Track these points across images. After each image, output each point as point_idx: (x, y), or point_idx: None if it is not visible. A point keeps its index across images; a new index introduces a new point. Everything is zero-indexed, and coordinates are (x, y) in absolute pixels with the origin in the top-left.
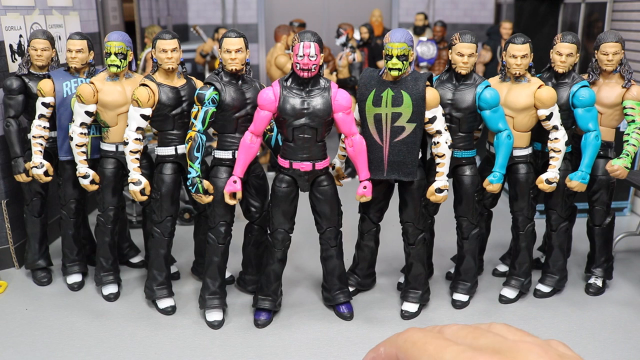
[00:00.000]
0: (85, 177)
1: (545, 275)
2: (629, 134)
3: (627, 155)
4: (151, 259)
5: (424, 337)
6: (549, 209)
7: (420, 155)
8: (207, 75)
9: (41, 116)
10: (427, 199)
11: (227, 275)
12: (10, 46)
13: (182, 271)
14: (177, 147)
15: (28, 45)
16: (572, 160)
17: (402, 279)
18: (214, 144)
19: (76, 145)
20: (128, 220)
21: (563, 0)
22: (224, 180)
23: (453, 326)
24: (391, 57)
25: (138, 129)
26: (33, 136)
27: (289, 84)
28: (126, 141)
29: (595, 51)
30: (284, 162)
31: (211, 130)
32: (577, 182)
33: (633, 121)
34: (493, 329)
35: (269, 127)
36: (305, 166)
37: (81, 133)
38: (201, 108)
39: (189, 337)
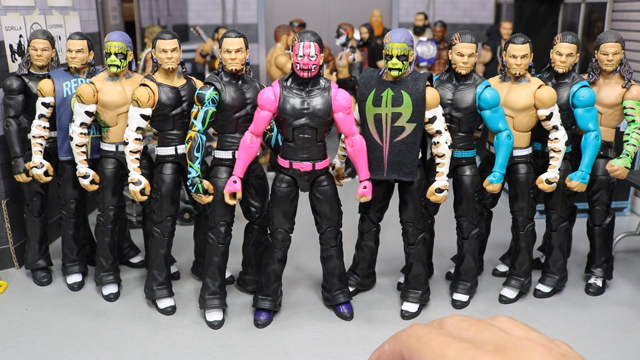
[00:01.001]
0: (85, 177)
1: (545, 275)
2: (629, 134)
3: (627, 155)
4: (151, 259)
5: (428, 332)
6: (549, 209)
7: (420, 155)
8: (207, 75)
9: (41, 116)
10: (427, 199)
11: (227, 275)
12: (10, 46)
13: (182, 271)
14: (177, 147)
15: (28, 45)
16: (572, 160)
17: (402, 279)
18: (214, 144)
19: (76, 145)
20: (128, 220)
21: (563, 0)
22: (224, 180)
23: (454, 317)
24: (391, 57)
25: (138, 129)
26: (33, 136)
27: (289, 84)
28: (126, 141)
29: (595, 51)
30: (284, 162)
31: (211, 130)
32: (577, 182)
33: (633, 121)
34: (497, 322)
35: (269, 127)
36: (305, 166)
37: (81, 133)
38: (201, 108)
39: (189, 337)
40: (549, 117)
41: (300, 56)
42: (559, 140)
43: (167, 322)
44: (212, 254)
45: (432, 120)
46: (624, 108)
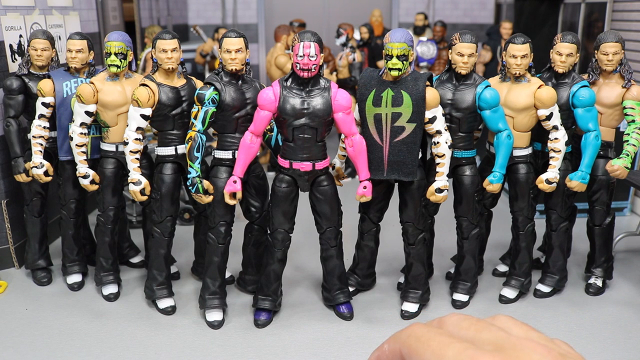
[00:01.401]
0: (85, 177)
1: (545, 275)
2: (629, 134)
3: (627, 155)
4: (151, 259)
5: (427, 332)
6: (549, 209)
7: (420, 155)
8: (207, 75)
9: (41, 116)
10: (427, 199)
11: (227, 275)
12: (10, 46)
13: (182, 271)
14: (177, 147)
15: (28, 45)
16: (572, 160)
17: (402, 279)
18: (214, 144)
19: (76, 145)
20: (128, 220)
21: (563, 0)
22: (224, 180)
23: (454, 316)
24: (391, 57)
25: (138, 129)
26: (33, 136)
27: (289, 84)
28: (126, 141)
29: (595, 51)
30: (284, 162)
31: (211, 130)
32: (577, 182)
33: (633, 121)
34: (497, 322)
35: (269, 127)
36: (305, 166)
37: (81, 133)
38: (201, 108)
39: (189, 337)
40: (549, 117)
41: (300, 56)
42: (559, 140)
43: (167, 322)
44: (212, 254)
45: (432, 120)
46: (624, 108)
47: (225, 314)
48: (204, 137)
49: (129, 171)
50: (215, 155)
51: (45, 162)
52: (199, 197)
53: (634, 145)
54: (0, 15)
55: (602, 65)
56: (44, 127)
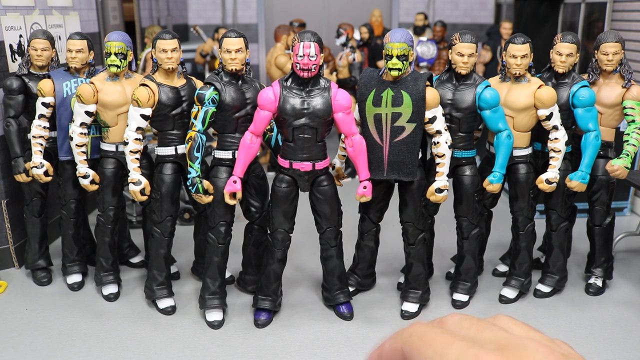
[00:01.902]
0: (85, 177)
1: (545, 275)
2: (629, 134)
3: (627, 155)
4: (151, 259)
5: (429, 331)
6: (549, 209)
7: (420, 155)
8: (207, 75)
9: (41, 116)
10: (427, 199)
11: (227, 275)
12: (10, 46)
13: (182, 271)
14: (177, 147)
15: (28, 45)
16: (572, 160)
17: (402, 279)
18: (214, 144)
19: (76, 145)
20: (128, 220)
21: (563, 0)
22: (224, 180)
23: (455, 316)
24: (391, 57)
25: (138, 129)
26: (33, 136)
27: (289, 84)
28: (126, 141)
29: (595, 51)
30: (284, 162)
31: (211, 130)
32: (577, 182)
33: (633, 121)
34: (498, 322)
35: (269, 127)
36: (305, 166)
37: (81, 133)
38: (201, 108)
39: (189, 337)
40: (549, 117)
41: (300, 56)
42: (559, 140)
43: (167, 322)
44: (212, 254)
45: (432, 120)
46: (624, 108)
47: (225, 314)
48: (204, 137)
49: (129, 171)
50: (215, 155)
51: (45, 162)
52: (199, 197)
53: (634, 145)
54: (0, 15)
55: (602, 65)
56: (44, 127)
